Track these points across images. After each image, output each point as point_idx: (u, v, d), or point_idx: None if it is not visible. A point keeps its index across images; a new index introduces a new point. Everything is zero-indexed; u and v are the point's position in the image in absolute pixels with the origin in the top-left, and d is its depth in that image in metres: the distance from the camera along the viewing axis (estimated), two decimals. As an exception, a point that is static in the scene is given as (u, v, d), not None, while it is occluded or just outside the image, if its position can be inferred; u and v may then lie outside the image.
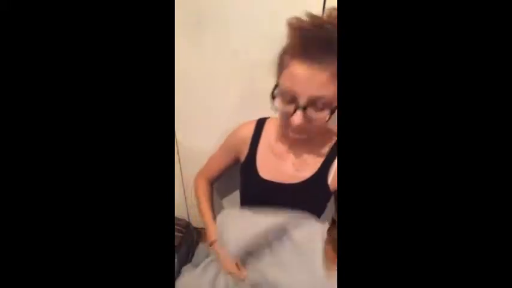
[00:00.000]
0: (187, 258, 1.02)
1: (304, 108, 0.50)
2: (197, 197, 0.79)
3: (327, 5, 0.67)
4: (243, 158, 0.69)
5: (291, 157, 0.65)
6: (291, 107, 0.52)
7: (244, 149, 0.68)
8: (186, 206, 1.08)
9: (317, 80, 0.47)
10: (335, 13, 0.49)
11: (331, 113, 0.51)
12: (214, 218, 0.73)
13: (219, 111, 0.84)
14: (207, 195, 0.79)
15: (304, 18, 0.50)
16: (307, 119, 0.52)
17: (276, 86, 0.54)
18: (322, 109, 0.51)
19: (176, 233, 1.01)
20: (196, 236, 1.09)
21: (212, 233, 0.72)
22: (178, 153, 0.94)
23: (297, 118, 0.51)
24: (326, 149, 0.64)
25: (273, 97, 0.54)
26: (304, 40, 0.48)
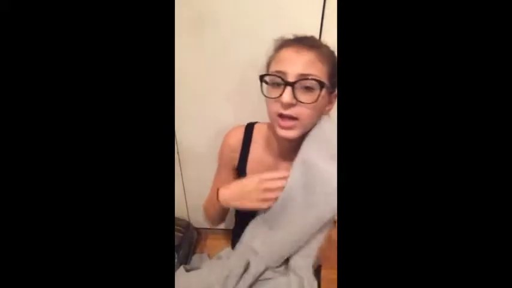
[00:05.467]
0: (187, 259, 1.02)
1: (293, 85, 0.50)
2: (208, 210, 0.74)
3: (327, 6, 0.67)
4: (236, 164, 0.69)
5: (282, 165, 0.64)
6: (280, 89, 0.52)
7: (236, 156, 0.68)
8: (186, 206, 1.08)
9: (304, 58, 0.51)
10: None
11: (321, 89, 0.51)
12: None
13: (219, 111, 0.84)
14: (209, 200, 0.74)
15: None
16: (296, 99, 0.51)
17: (264, 75, 0.55)
18: (311, 90, 0.51)
19: (176, 233, 1.01)
20: (196, 236, 1.09)
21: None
22: (178, 153, 0.94)
23: (287, 95, 0.51)
24: None
25: (262, 81, 0.55)
26: (289, 41, 0.54)
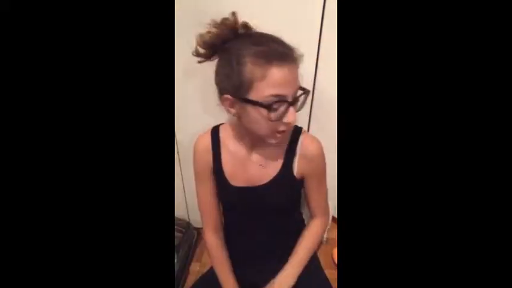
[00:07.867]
0: (187, 259, 1.02)
1: (293, 104, 0.52)
2: (209, 255, 0.73)
3: (327, 5, 0.67)
4: (211, 168, 0.68)
5: (254, 157, 0.65)
6: (280, 110, 0.51)
7: (209, 161, 0.68)
8: (186, 206, 1.08)
9: (295, 76, 0.51)
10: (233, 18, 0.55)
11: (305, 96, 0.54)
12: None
13: (219, 111, 0.83)
14: (215, 247, 0.71)
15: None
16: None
17: (247, 100, 0.51)
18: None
19: (176, 233, 1.01)
20: (196, 236, 1.09)
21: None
22: (178, 153, 0.94)
23: (292, 115, 0.52)
24: (285, 140, 0.63)
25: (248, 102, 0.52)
26: (268, 45, 0.50)
